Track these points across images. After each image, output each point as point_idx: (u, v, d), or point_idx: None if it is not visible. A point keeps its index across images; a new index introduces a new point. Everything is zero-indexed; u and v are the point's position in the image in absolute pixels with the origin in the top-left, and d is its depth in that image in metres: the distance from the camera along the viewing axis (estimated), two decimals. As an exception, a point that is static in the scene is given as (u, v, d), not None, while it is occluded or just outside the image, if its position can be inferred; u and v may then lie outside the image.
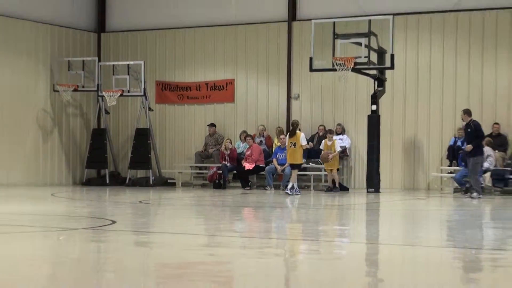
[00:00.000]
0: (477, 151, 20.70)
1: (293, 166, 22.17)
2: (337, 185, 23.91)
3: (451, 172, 23.67)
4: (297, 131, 22.51)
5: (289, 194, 21.53)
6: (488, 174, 22.71)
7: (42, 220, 14.68)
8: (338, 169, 24.40)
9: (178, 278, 8.04)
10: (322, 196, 22.52)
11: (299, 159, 22.16)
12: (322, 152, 23.34)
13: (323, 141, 24.26)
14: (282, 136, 24.94)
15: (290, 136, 22.33)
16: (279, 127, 25.93)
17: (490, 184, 22.94)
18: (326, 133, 24.64)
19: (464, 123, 21.06)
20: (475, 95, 23.97)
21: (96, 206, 18.53)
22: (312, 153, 25.23)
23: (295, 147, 21.98)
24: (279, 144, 24.90)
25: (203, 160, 27.24)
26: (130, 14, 29.04)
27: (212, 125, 27.14)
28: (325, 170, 24.23)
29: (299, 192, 22.16)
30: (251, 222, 15.52)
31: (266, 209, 18.27)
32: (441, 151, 24.14)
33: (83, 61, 27.63)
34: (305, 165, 24.76)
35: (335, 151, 23.65)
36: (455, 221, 15.56)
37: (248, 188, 24.28)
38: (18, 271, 8.61)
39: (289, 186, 22.03)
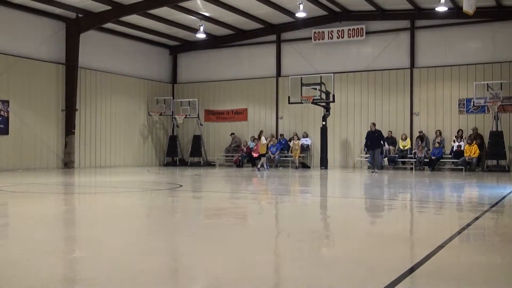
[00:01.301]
0: (380, 146, 20.88)
1: (262, 155, 23.07)
2: (298, 164, 24.58)
3: (366, 158, 23.86)
4: (262, 137, 24.17)
5: (264, 169, 22.20)
6: (386, 158, 23.66)
7: (142, 184, 14.54)
8: (301, 156, 24.96)
9: (216, 215, 8.34)
10: (296, 171, 22.46)
11: (264, 151, 22.97)
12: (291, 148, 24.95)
13: (292, 141, 25.10)
14: (273, 139, 25.76)
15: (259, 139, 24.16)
16: (272, 134, 26.27)
17: (387, 164, 23.91)
18: (294, 137, 25.29)
19: (373, 130, 21.00)
20: (377, 116, 24.70)
21: (171, 177, 18.01)
22: (288, 148, 25.95)
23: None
24: (271, 143, 25.08)
25: (229, 151, 27.65)
26: (190, 73, 29.35)
27: (233, 133, 27.60)
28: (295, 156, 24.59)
29: (267, 168, 22.67)
30: (255, 185, 15.19)
31: (264, 178, 17.79)
32: (360, 145, 24.22)
33: (164, 99, 28.08)
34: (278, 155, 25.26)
35: (298, 147, 24.63)
36: (367, 184, 15.44)
37: (255, 167, 23.93)
38: (128, 213, 9.41)
39: (259, 165, 22.85)
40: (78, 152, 24.12)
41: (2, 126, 20.97)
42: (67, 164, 23.27)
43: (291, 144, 25.20)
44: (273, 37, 27.04)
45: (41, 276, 4.06)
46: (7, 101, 21.16)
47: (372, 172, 20.06)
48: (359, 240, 5.78)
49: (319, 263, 4.61)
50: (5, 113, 21.05)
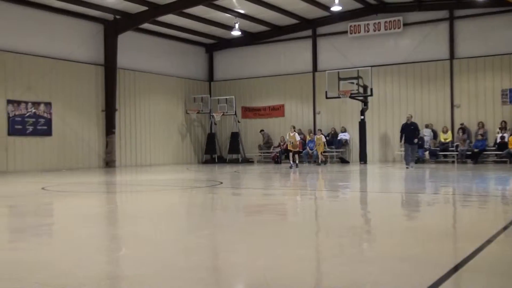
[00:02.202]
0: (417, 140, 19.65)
1: (296, 152, 21.18)
2: (321, 160, 22.97)
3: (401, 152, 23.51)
4: (291, 132, 21.26)
5: (294, 167, 20.44)
6: (427, 152, 23.26)
7: (182, 182, 14.83)
8: (324, 152, 23.49)
9: (257, 211, 8.43)
10: (322, 167, 22.33)
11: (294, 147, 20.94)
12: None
13: (315, 136, 23.92)
14: (311, 134, 25.67)
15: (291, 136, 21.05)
16: (309, 129, 26.45)
17: (428, 157, 23.42)
18: (317, 132, 24.48)
19: (409, 122, 19.76)
20: (417, 109, 24.28)
21: (211, 175, 18.09)
22: (328, 143, 25.79)
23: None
24: (309, 138, 25.20)
25: (262, 147, 27.75)
26: (226, 70, 29.55)
27: (262, 130, 27.58)
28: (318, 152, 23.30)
29: (291, 167, 20.58)
30: (294, 181, 15.11)
31: (302, 174, 17.67)
32: (399, 139, 23.95)
33: (202, 97, 28.32)
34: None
35: (321, 142, 23.07)
36: (408, 178, 15.19)
37: (293, 163, 23.91)
38: (170, 210, 9.55)
39: (292, 162, 20.93)
40: (119, 151, 24.56)
41: (46, 127, 21.54)
42: (109, 163, 23.75)
43: (314, 139, 24.36)
44: (308, 32, 26.91)
45: (90, 273, 4.17)
46: (50, 103, 21.71)
47: (406, 167, 18.94)
48: (401, 235, 5.72)
49: (361, 259, 4.58)
50: (48, 114, 21.62)
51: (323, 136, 23.67)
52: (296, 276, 4.00)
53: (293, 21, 26.32)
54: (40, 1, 20.86)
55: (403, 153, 23.85)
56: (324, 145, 23.42)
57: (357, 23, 25.42)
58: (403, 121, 20.77)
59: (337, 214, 7.78)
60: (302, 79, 27.16)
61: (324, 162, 23.37)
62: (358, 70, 23.04)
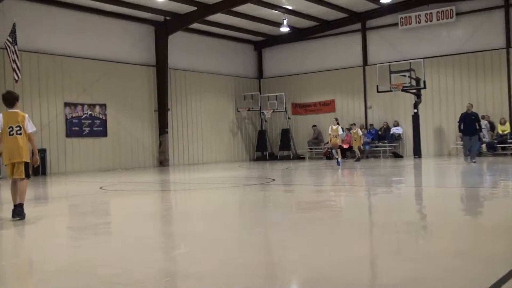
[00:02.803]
0: (477, 131, 18.21)
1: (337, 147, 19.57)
2: (358, 156, 22.31)
3: (461, 145, 22.48)
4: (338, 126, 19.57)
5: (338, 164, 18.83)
6: (484, 145, 22.54)
7: (235, 179, 14.85)
8: (359, 147, 22.73)
9: (311, 208, 8.48)
10: (387, 161, 22.25)
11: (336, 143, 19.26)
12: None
13: (351, 130, 23.10)
14: (362, 129, 25.30)
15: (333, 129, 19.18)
16: (361, 124, 25.85)
17: (485, 150, 22.71)
18: (352, 126, 23.69)
19: (469, 112, 18.23)
20: (472, 101, 23.51)
21: (262, 172, 18.21)
22: (379, 137, 25.43)
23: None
24: (361, 133, 24.87)
25: (312, 143, 27.57)
26: (275, 67, 29.56)
27: (314, 125, 27.39)
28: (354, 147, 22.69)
29: (337, 163, 19.00)
30: (347, 177, 15.07)
31: (355, 169, 17.46)
32: (455, 132, 22.74)
33: (251, 94, 28.42)
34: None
35: (358, 137, 22.47)
36: (464, 172, 14.86)
37: (345, 158, 23.40)
38: (224, 208, 9.57)
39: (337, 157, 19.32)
40: (172, 150, 24.98)
41: (101, 128, 22.16)
42: (162, 162, 24.21)
43: (350, 133, 23.55)
44: (358, 26, 26.61)
45: (150, 271, 4.29)
46: (105, 105, 22.32)
47: (468, 162, 17.70)
48: (460, 231, 5.60)
49: (419, 255, 4.51)
50: (103, 116, 22.23)
51: (359, 130, 23.07)
52: (353, 273, 3.99)
53: (341, 15, 26.06)
54: (93, 5, 21.45)
55: (460, 146, 23.23)
56: (361, 139, 22.85)
57: (407, 15, 24.92)
58: (458, 113, 20.13)
59: (392, 210, 7.68)
60: (352, 74, 26.87)
61: (358, 159, 22.39)
62: (410, 63, 22.62)
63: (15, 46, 17.14)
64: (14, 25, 17.18)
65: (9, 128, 7.31)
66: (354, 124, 23.83)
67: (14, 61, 17.12)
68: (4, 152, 7.37)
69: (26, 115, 7.49)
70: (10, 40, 17.15)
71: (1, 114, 7.50)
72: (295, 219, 7.04)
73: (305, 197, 9.97)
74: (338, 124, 19.69)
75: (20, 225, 7.00)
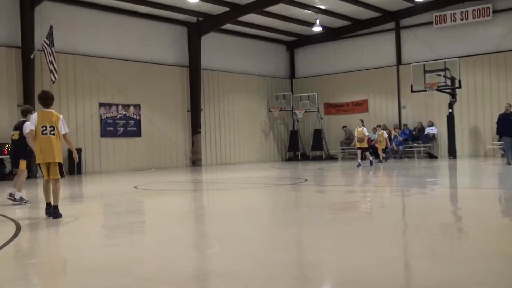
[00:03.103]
0: None
1: (365, 149, 19.20)
2: (382, 158, 21.40)
3: (499, 146, 21.84)
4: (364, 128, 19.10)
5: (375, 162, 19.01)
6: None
7: (267, 179, 14.86)
8: (385, 148, 21.92)
9: (342, 208, 8.49)
10: (421, 161, 21.89)
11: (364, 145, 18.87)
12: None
13: (376, 132, 21.75)
14: (396, 129, 25.07)
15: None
16: (395, 124, 25.80)
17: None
18: (377, 128, 22.26)
19: (508, 112, 17.57)
20: (510, 101, 22.94)
21: (294, 172, 18.15)
22: (413, 138, 25.15)
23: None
24: (395, 134, 24.60)
25: (344, 143, 27.18)
26: (308, 67, 29.45)
27: (344, 126, 27.13)
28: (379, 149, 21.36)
29: (358, 164, 18.48)
30: (380, 178, 14.81)
31: (389, 170, 17.28)
32: (492, 132, 22.40)
33: (284, 94, 28.39)
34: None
35: (383, 139, 21.19)
36: (502, 173, 14.54)
37: (378, 159, 22.18)
38: (257, 208, 9.53)
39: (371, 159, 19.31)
40: (204, 150, 25.15)
41: (135, 128, 22.46)
42: (195, 162, 24.39)
43: (376, 135, 22.27)
44: (391, 25, 26.31)
45: (186, 269, 4.34)
46: (139, 105, 22.62)
47: (507, 163, 17.05)
48: (499, 233, 5.48)
49: (457, 258, 4.45)
50: (137, 116, 22.53)
51: (384, 132, 21.82)
52: (388, 275, 3.95)
53: (375, 14, 25.81)
54: (128, 7, 21.75)
55: (497, 147, 22.72)
56: (386, 141, 21.82)
57: (442, 13, 24.52)
58: (495, 113, 19.68)
59: (427, 211, 7.57)
60: (386, 73, 26.59)
61: (381, 160, 21.50)
62: (445, 62, 22.21)
63: (52, 48, 17.53)
64: (51, 27, 17.56)
65: (42, 127, 7.45)
66: (379, 126, 23.03)
67: (51, 62, 17.51)
68: (36, 150, 7.54)
69: (61, 116, 7.66)
70: (47, 42, 17.54)
71: (36, 113, 7.74)
72: (329, 220, 7.02)
73: (338, 197, 9.93)
74: (363, 125, 19.40)
75: (57, 224, 7.15)
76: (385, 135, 22.02)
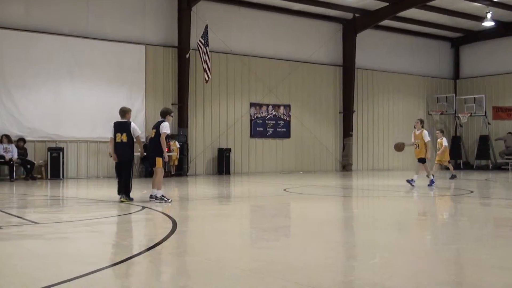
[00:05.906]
0: None
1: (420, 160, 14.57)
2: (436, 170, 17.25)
3: None
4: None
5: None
6: None
7: (423, 189, 13.96)
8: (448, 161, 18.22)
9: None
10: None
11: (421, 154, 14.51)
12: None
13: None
14: None
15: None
16: None
17: None
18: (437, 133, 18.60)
19: None
20: None
21: (457, 182, 16.87)
22: None
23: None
24: None
25: (502, 154, 25.29)
26: (475, 66, 27.95)
27: (509, 133, 25.33)
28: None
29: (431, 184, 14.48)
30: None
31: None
32: None
33: (446, 96, 27.32)
34: None
35: (442, 147, 17.28)
36: None
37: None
38: (411, 217, 9.21)
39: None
40: (356, 155, 24.97)
41: (285, 129, 22.97)
42: (345, 166, 24.31)
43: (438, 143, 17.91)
44: None
45: (343, 278, 4.36)
46: (289, 105, 23.10)
47: None
48: None
49: None
50: (287, 117, 23.02)
51: (444, 139, 17.65)
52: None
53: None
54: (281, 5, 22.32)
55: None
56: (447, 150, 17.64)
57: None
58: None
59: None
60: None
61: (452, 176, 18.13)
62: None
63: (207, 47, 18.57)
64: (206, 26, 18.62)
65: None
66: (441, 131, 18.29)
67: (205, 61, 18.55)
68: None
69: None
70: (202, 41, 18.60)
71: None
72: (496, 236, 6.67)
73: (508, 212, 9.35)
74: (443, 135, 17.60)
75: (207, 223, 7.55)
76: (445, 143, 17.91)
